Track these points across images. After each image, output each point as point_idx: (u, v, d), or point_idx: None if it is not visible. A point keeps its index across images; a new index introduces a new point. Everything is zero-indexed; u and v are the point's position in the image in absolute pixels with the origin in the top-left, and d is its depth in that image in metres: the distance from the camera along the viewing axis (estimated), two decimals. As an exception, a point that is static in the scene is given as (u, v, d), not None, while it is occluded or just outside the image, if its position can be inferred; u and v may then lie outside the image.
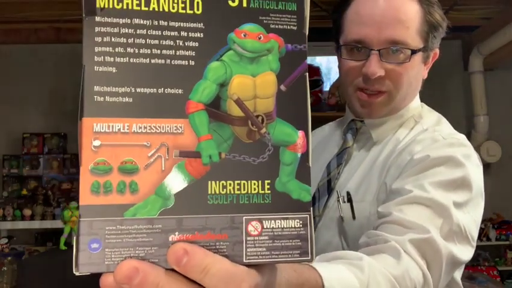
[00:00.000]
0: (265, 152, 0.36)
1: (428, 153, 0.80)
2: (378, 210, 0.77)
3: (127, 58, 0.35)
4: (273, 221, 0.35)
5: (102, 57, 0.34)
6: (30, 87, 3.52)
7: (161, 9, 0.35)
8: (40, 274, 1.32)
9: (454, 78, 3.67)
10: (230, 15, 0.36)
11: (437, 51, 0.95)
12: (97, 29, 0.34)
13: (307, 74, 0.37)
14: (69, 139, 3.47)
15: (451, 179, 0.77)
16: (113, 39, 0.34)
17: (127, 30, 0.35)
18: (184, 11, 0.36)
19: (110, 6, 0.35)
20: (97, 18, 0.34)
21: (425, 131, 0.88)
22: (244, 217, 0.35)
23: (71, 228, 1.51)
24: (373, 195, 0.86)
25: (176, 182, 0.34)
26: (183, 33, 0.36)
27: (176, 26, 0.36)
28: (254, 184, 0.35)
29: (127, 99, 0.34)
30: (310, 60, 3.11)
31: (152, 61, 0.35)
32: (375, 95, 0.89)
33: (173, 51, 0.35)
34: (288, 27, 0.37)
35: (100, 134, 0.34)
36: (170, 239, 0.33)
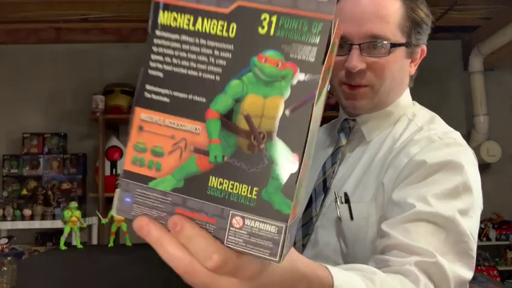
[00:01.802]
0: (260, 164, 0.41)
1: (425, 157, 0.81)
2: (383, 229, 0.77)
3: (171, 67, 0.43)
4: (253, 221, 0.41)
5: (155, 63, 0.44)
6: (30, 87, 3.52)
7: (203, 30, 0.42)
8: (40, 274, 1.31)
9: (454, 78, 3.68)
10: (257, 40, 0.41)
11: (424, 48, 0.95)
12: (155, 41, 0.43)
13: (313, 102, 0.39)
14: (69, 139, 3.47)
15: (452, 187, 0.78)
16: (164, 51, 0.43)
17: (175, 45, 0.43)
18: (220, 33, 0.42)
19: (168, 23, 0.43)
20: (157, 32, 0.43)
21: (420, 130, 0.89)
22: (231, 211, 0.41)
23: (71, 228, 1.51)
24: (371, 195, 0.86)
25: (187, 170, 0.42)
26: (216, 52, 0.42)
27: (212, 45, 0.42)
28: (244, 188, 0.41)
29: (165, 99, 0.43)
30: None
31: (189, 72, 0.42)
32: (358, 87, 0.91)
33: (206, 66, 0.42)
34: (306, 59, 0.40)
35: (144, 122, 0.43)
36: (175, 210, 0.42)
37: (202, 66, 0.42)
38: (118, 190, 0.44)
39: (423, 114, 0.96)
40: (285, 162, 0.40)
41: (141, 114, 0.43)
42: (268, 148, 0.41)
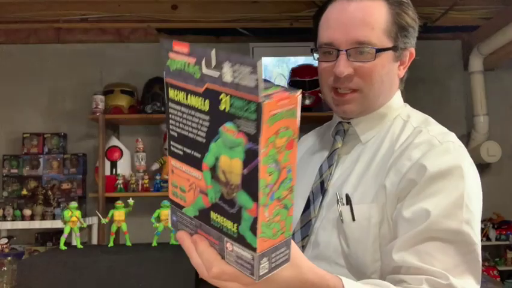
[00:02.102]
0: (235, 208, 0.53)
1: (428, 164, 0.84)
2: (393, 252, 0.81)
3: (180, 130, 0.58)
4: (237, 248, 0.55)
5: (171, 126, 0.60)
6: (30, 87, 3.52)
7: (191, 104, 0.55)
8: (40, 274, 1.32)
9: (454, 78, 3.67)
10: (220, 114, 0.52)
11: (413, 50, 0.98)
12: (169, 110, 0.59)
13: (258, 166, 0.50)
14: (69, 139, 3.47)
15: (456, 197, 0.82)
16: (174, 118, 0.59)
17: (179, 114, 0.58)
18: (201, 107, 0.54)
19: (173, 98, 0.58)
20: (169, 104, 0.59)
21: (419, 132, 0.91)
22: (224, 238, 0.56)
23: (71, 228, 1.51)
24: (371, 196, 0.89)
25: (199, 204, 0.58)
26: (200, 121, 0.55)
27: (197, 116, 0.55)
28: (230, 223, 0.54)
29: (181, 152, 0.59)
30: (310, 60, 3.11)
31: (189, 134, 0.57)
32: (346, 94, 0.94)
33: (197, 131, 0.56)
34: (249, 130, 0.49)
35: (173, 167, 0.62)
36: (197, 231, 0.60)
37: (194, 131, 0.56)
38: (169, 211, 0.65)
39: (416, 115, 0.99)
40: (249, 208, 0.52)
41: (171, 162, 0.61)
42: (237, 196, 0.52)
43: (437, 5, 3.28)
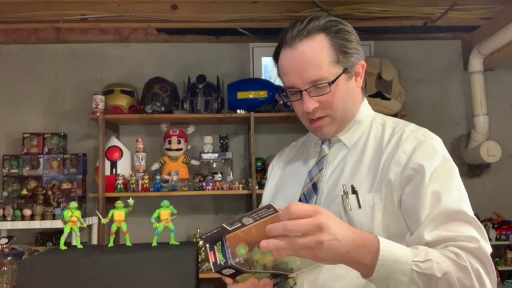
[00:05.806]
0: None
1: (421, 155, 1.00)
2: (427, 238, 0.94)
3: None
4: None
5: None
6: (30, 87, 3.52)
7: None
8: (40, 274, 1.31)
9: (454, 78, 3.67)
10: None
11: (363, 62, 1.12)
12: None
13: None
14: (69, 139, 3.47)
15: (452, 180, 1.00)
16: None
17: None
18: None
19: None
20: None
21: (402, 130, 1.08)
22: None
23: (71, 228, 1.51)
24: (368, 188, 1.03)
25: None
26: None
27: None
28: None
29: None
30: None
31: None
32: (318, 120, 1.10)
33: None
34: None
35: None
36: None
37: None
38: None
39: (390, 119, 1.16)
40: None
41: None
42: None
43: (437, 5, 3.28)
